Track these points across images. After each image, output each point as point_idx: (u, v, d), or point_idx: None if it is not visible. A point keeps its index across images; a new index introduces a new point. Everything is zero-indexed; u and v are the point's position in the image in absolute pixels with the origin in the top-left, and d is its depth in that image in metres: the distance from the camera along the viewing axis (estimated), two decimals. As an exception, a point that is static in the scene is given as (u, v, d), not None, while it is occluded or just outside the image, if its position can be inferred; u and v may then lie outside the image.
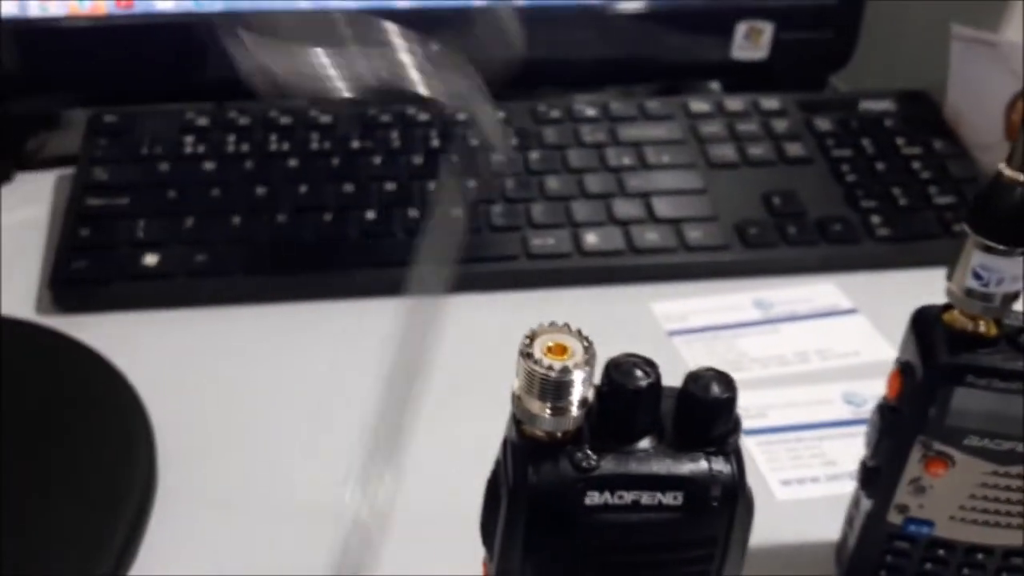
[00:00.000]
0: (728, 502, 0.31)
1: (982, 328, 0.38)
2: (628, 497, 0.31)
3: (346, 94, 0.41)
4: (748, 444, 0.53)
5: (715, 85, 0.82)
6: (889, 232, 0.64)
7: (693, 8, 0.75)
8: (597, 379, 0.31)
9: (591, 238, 0.63)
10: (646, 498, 0.31)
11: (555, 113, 0.71)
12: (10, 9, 0.66)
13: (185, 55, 0.71)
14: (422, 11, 0.70)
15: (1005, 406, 0.38)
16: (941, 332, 0.38)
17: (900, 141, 0.70)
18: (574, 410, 0.30)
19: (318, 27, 0.49)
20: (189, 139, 0.66)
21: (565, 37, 0.74)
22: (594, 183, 0.66)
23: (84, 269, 0.59)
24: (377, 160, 0.66)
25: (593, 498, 0.30)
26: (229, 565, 0.46)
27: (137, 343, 0.56)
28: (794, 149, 0.69)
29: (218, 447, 0.52)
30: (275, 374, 0.56)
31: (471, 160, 0.64)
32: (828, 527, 0.47)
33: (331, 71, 0.41)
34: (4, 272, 0.61)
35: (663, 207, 0.65)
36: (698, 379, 0.31)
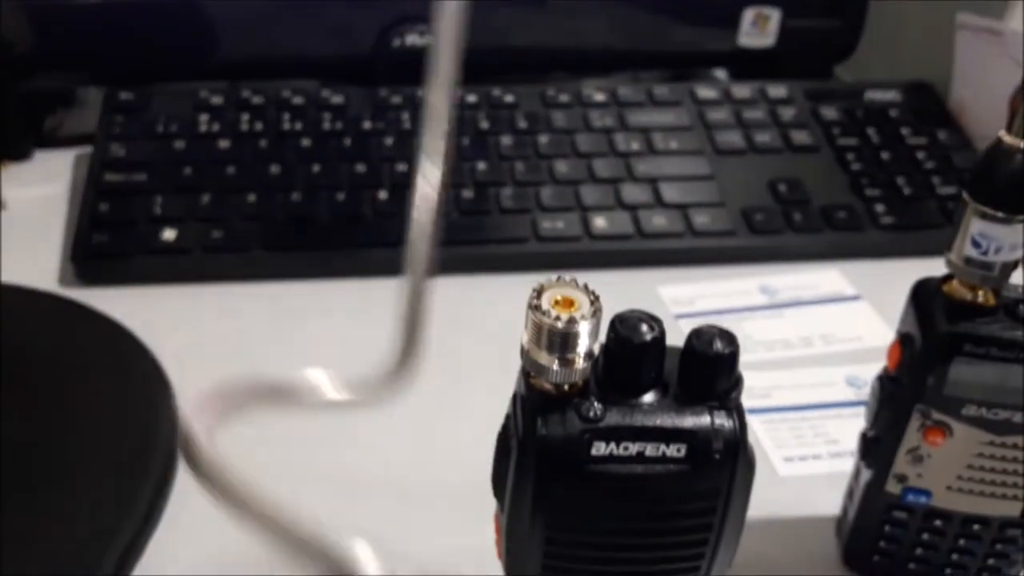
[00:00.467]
0: (730, 455, 0.32)
1: (981, 298, 0.38)
2: (633, 448, 0.32)
3: None
4: (752, 423, 0.54)
5: (722, 73, 0.83)
6: (893, 221, 0.65)
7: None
8: (603, 337, 0.32)
9: (600, 222, 0.64)
10: (650, 449, 0.32)
11: (564, 98, 0.71)
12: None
13: (199, 34, 0.72)
14: None
15: (1003, 376, 0.38)
16: (940, 302, 0.39)
17: (905, 131, 0.71)
18: (580, 362, 0.31)
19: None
20: (204, 117, 0.67)
21: (576, 24, 0.75)
22: (603, 167, 0.67)
23: (105, 243, 0.60)
24: (388, 141, 0.67)
25: (599, 449, 0.31)
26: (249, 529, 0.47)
27: (156, 315, 0.57)
28: (800, 137, 0.70)
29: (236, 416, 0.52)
30: (289, 347, 0.57)
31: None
32: (829, 502, 0.48)
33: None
34: (27, 246, 0.62)
35: (671, 192, 0.66)
36: (701, 335, 0.32)
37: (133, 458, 0.48)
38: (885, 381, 0.41)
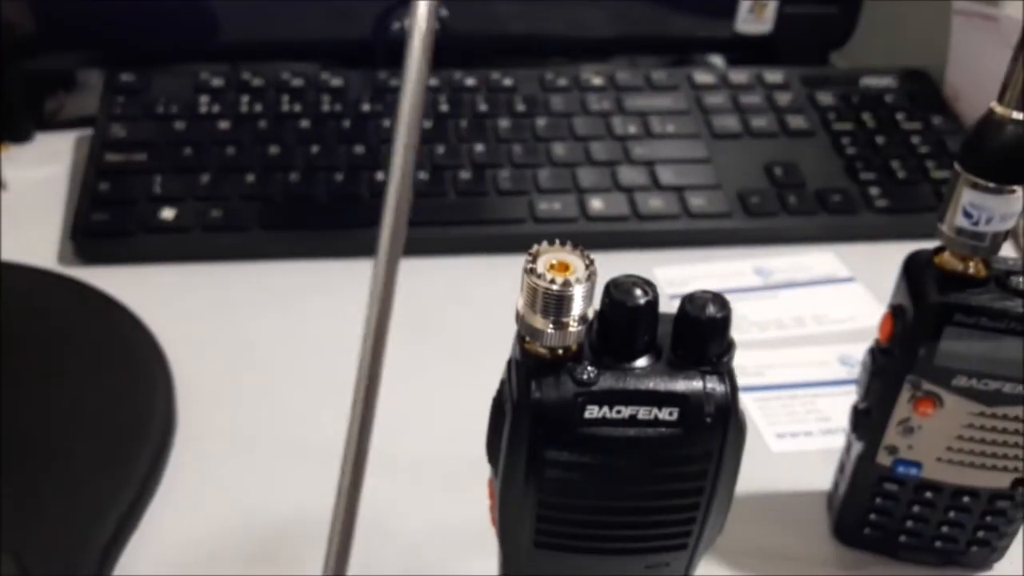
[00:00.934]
0: (721, 418, 0.32)
1: (972, 270, 0.39)
2: (626, 412, 0.32)
3: None
4: (745, 400, 0.54)
5: (720, 59, 0.83)
6: (887, 204, 0.66)
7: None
8: (598, 304, 0.33)
9: (597, 204, 0.64)
10: (643, 413, 0.32)
11: (563, 82, 0.72)
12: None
13: (200, 17, 0.72)
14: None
15: (993, 346, 0.39)
16: (932, 273, 0.40)
17: (900, 116, 0.71)
18: (575, 326, 0.31)
19: None
20: (204, 99, 0.68)
21: (575, 10, 0.75)
22: (600, 150, 0.67)
23: (104, 222, 0.60)
24: (387, 123, 0.67)
25: (592, 412, 0.32)
26: (243, 496, 0.48)
27: (155, 293, 0.57)
28: (796, 122, 0.70)
29: (233, 391, 0.53)
30: (286, 325, 0.57)
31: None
32: (820, 478, 0.49)
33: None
34: (28, 225, 0.62)
35: (667, 175, 0.66)
36: (694, 300, 0.32)
37: (130, 431, 0.48)
38: (876, 353, 0.42)
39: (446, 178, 0.64)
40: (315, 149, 0.65)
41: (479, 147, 0.66)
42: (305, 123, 0.67)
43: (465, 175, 0.65)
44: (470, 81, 0.71)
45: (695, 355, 0.32)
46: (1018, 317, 0.38)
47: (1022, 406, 0.40)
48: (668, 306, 0.59)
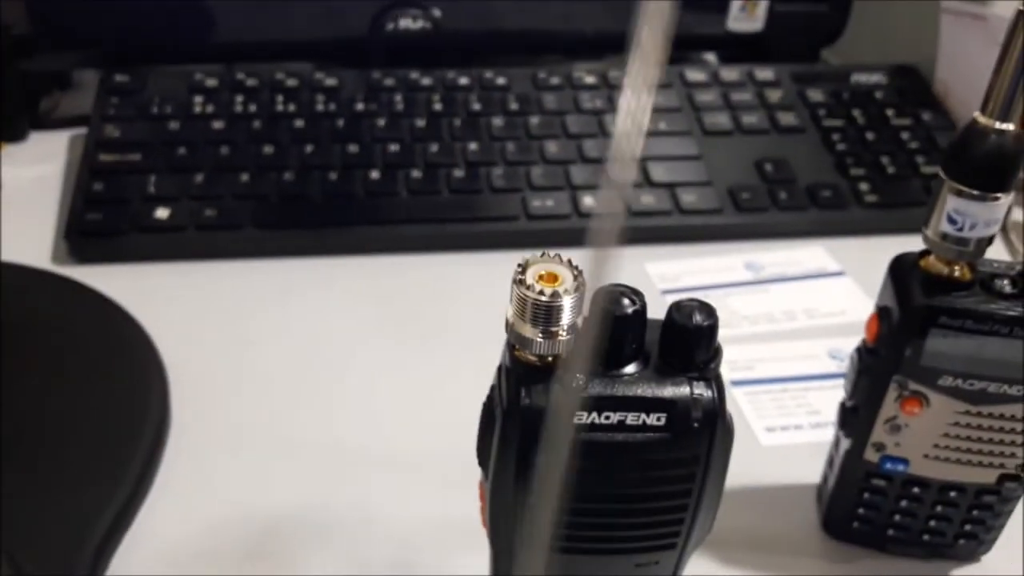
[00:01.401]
0: (708, 423, 0.33)
1: (957, 273, 0.40)
2: (615, 417, 0.33)
3: None
4: (735, 394, 0.55)
5: (712, 57, 0.83)
6: (877, 199, 0.66)
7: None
8: (586, 309, 0.33)
9: (589, 200, 0.65)
10: (631, 418, 0.33)
11: (556, 80, 0.72)
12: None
13: (194, 17, 0.72)
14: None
15: (978, 347, 0.40)
16: (917, 276, 0.40)
17: (890, 112, 0.72)
18: (564, 335, 0.32)
19: None
20: (198, 99, 0.68)
21: (568, 7, 0.76)
22: (592, 148, 0.68)
23: (98, 221, 0.60)
24: (381, 122, 0.68)
25: (581, 418, 0.32)
26: (238, 494, 0.48)
27: (149, 292, 0.58)
28: (787, 119, 0.71)
29: (227, 389, 0.53)
30: (281, 323, 0.58)
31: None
32: (810, 470, 0.49)
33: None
34: (22, 224, 0.63)
35: (659, 172, 0.67)
36: (681, 308, 0.33)
37: (124, 430, 0.49)
38: (863, 353, 0.43)
39: (440, 176, 0.65)
40: (309, 148, 0.65)
41: (473, 145, 0.67)
42: (299, 123, 0.67)
43: (459, 173, 0.65)
44: (463, 80, 0.71)
45: (683, 362, 0.33)
46: (1003, 319, 0.39)
47: (1006, 405, 0.41)
48: (659, 301, 0.60)
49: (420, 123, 0.68)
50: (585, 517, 0.35)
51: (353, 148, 0.66)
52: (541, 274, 0.32)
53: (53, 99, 0.74)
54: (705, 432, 0.33)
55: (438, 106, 0.70)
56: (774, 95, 0.73)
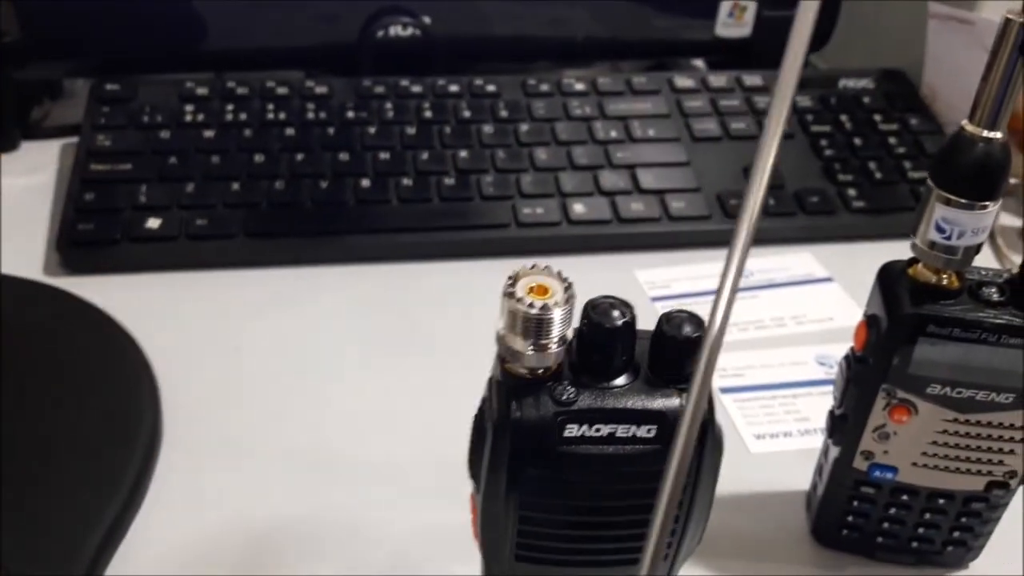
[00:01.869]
0: (698, 435, 0.33)
1: (945, 281, 0.40)
2: (605, 430, 0.33)
3: None
4: (725, 401, 0.55)
5: (699, 63, 0.84)
6: (864, 204, 0.67)
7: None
8: (576, 321, 0.33)
9: (579, 208, 0.65)
10: (621, 430, 0.33)
11: (545, 87, 0.73)
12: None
13: (185, 26, 0.72)
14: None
15: (966, 356, 0.40)
16: (905, 284, 0.40)
17: (878, 118, 0.72)
18: (554, 347, 0.32)
19: None
20: (189, 108, 0.68)
21: (557, 15, 0.76)
22: (582, 155, 0.68)
23: (89, 232, 0.60)
24: (371, 130, 0.68)
25: (572, 430, 0.33)
26: (230, 505, 0.48)
27: (140, 302, 0.58)
28: (775, 124, 0.71)
29: (219, 399, 0.53)
30: (272, 333, 0.58)
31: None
32: (799, 477, 0.50)
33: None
34: (13, 235, 0.63)
35: (648, 179, 0.67)
36: (671, 319, 0.33)
37: (116, 442, 0.49)
38: (852, 361, 0.43)
39: (431, 183, 0.65)
40: (300, 157, 0.66)
41: (463, 153, 0.67)
42: (290, 131, 0.67)
43: (449, 181, 0.65)
44: (454, 87, 0.72)
45: (672, 373, 0.33)
46: (991, 327, 0.39)
47: (994, 413, 0.41)
48: (650, 308, 0.60)
49: (410, 131, 0.68)
50: (576, 529, 0.35)
51: (344, 156, 0.66)
52: (531, 286, 0.32)
53: (44, 108, 0.74)
54: (695, 443, 0.33)
55: (428, 113, 0.70)
56: (762, 101, 0.73)
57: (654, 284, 0.63)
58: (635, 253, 0.65)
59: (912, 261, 0.41)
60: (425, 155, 0.67)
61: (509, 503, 0.34)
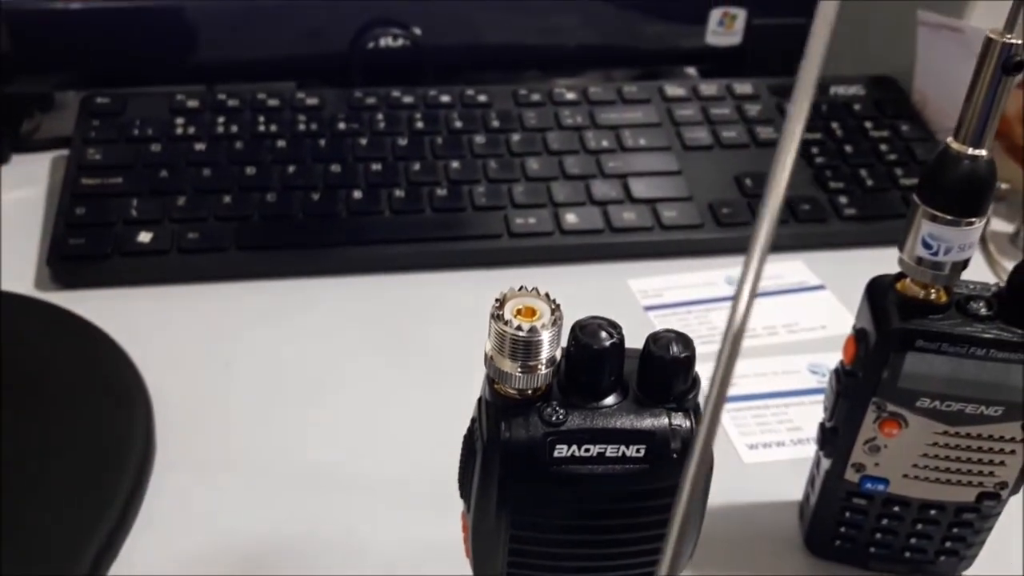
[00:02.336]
0: (687, 454, 0.33)
1: (933, 296, 0.40)
2: (594, 450, 0.33)
3: None
4: (718, 412, 0.55)
5: (691, 71, 0.84)
6: (856, 212, 0.67)
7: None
8: (564, 340, 0.34)
9: (571, 217, 0.65)
10: (611, 450, 0.33)
11: (536, 97, 0.73)
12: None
13: (175, 38, 0.72)
14: None
15: (955, 370, 0.40)
16: (893, 299, 0.40)
17: (868, 125, 0.73)
18: (543, 368, 0.32)
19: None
20: (180, 120, 0.68)
21: (547, 23, 0.76)
22: (574, 165, 0.68)
23: (81, 246, 0.60)
24: (363, 141, 0.68)
25: (561, 451, 0.33)
26: (224, 521, 0.48)
27: (132, 317, 0.58)
28: (766, 132, 0.71)
29: (212, 414, 0.53)
30: (266, 345, 0.58)
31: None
32: (792, 487, 0.50)
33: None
34: (4, 250, 0.63)
35: (640, 188, 0.67)
36: (658, 340, 0.33)
37: (109, 458, 0.49)
38: (842, 374, 0.43)
39: (423, 194, 0.65)
40: (291, 169, 0.66)
41: (455, 163, 0.67)
42: (281, 143, 0.67)
43: (441, 191, 0.65)
44: (445, 98, 0.72)
45: (661, 393, 0.33)
46: (979, 341, 0.39)
47: (983, 425, 0.41)
48: (642, 318, 0.60)
49: (402, 141, 0.68)
50: (566, 548, 0.35)
51: (335, 168, 0.66)
52: (519, 308, 0.32)
53: (35, 120, 0.74)
54: (684, 463, 0.33)
55: (420, 124, 0.70)
56: (753, 109, 0.73)
57: (647, 293, 0.63)
58: (627, 262, 0.65)
59: (900, 276, 0.41)
60: (417, 166, 0.67)
61: (500, 522, 0.34)
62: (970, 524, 0.45)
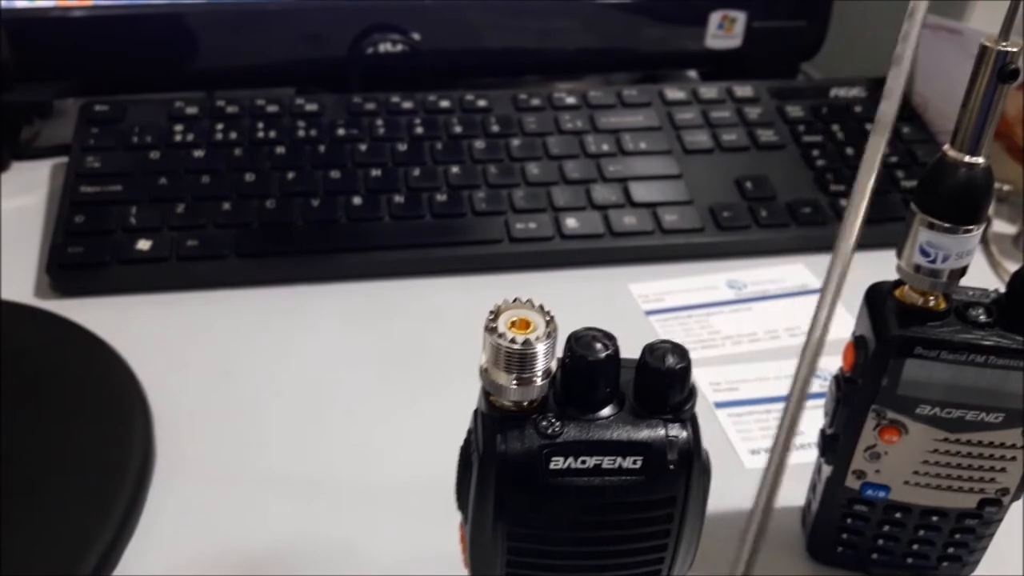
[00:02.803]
0: (684, 465, 0.33)
1: (932, 303, 0.40)
2: (591, 461, 0.33)
3: None
4: (719, 416, 0.55)
5: (692, 73, 0.84)
6: (858, 214, 0.66)
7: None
8: (560, 351, 0.33)
9: (571, 222, 0.65)
10: (607, 462, 0.33)
11: (536, 101, 0.73)
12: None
13: (174, 45, 0.72)
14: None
15: (954, 376, 0.40)
16: (892, 306, 0.40)
17: (869, 127, 0.72)
18: (538, 380, 0.32)
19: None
20: (179, 127, 0.68)
21: (547, 28, 0.76)
22: (574, 169, 0.68)
23: (80, 254, 0.60)
24: (362, 147, 0.68)
25: (558, 463, 0.33)
26: (224, 529, 0.48)
27: (132, 325, 0.58)
28: (766, 135, 0.71)
29: (212, 421, 0.53)
30: (265, 353, 0.57)
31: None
32: (794, 493, 0.49)
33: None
34: (3, 258, 0.62)
35: (640, 192, 0.67)
36: (654, 351, 0.33)
37: (109, 467, 0.49)
38: (841, 382, 0.43)
39: (423, 200, 0.65)
40: (291, 175, 0.66)
41: (455, 168, 0.67)
42: (280, 149, 0.67)
43: (441, 197, 0.65)
44: (444, 103, 0.72)
45: (657, 404, 0.33)
46: (978, 348, 0.39)
47: (984, 432, 0.41)
48: (643, 322, 0.60)
49: (402, 147, 0.68)
50: (563, 560, 0.35)
51: (335, 174, 0.66)
52: (513, 321, 0.32)
53: (34, 128, 0.74)
54: (681, 473, 0.33)
55: (419, 129, 0.70)
56: (753, 112, 0.73)
57: (648, 297, 0.63)
58: (628, 266, 0.65)
59: (898, 283, 0.41)
60: (417, 171, 0.67)
61: (497, 534, 0.34)
62: (972, 530, 0.45)
